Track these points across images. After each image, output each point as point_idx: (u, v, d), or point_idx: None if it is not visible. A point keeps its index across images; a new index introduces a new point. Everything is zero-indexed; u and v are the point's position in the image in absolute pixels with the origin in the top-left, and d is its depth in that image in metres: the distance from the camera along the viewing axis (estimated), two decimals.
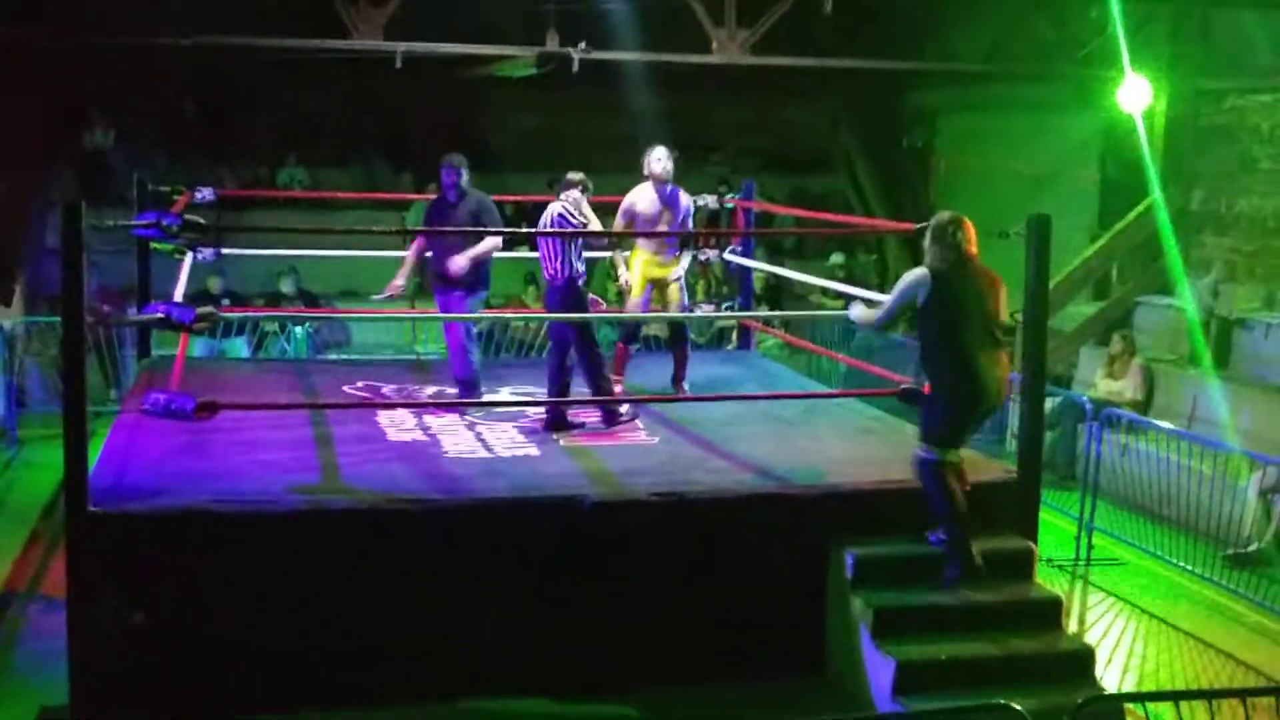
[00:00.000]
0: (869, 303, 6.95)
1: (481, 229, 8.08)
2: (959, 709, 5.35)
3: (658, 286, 8.51)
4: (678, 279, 8.55)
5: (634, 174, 8.57)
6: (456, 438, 7.52)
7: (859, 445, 7.64)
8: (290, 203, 14.61)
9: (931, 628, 6.25)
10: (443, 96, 14.67)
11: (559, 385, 7.86)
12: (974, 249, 6.27)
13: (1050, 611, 6.45)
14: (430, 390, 8.72)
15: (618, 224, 8.45)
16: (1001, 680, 5.84)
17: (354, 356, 12.37)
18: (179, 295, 7.56)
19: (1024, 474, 6.82)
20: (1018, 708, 4.37)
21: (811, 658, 6.56)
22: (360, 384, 8.79)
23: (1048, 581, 7.48)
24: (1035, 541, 6.72)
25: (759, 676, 6.39)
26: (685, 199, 8.50)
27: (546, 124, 15.62)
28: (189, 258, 8.60)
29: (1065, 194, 14.12)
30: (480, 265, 8.15)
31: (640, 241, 8.48)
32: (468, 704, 6.12)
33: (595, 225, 7.81)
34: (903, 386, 6.99)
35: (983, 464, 7.23)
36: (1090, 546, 8.77)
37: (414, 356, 11.66)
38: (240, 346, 12.44)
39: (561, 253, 7.59)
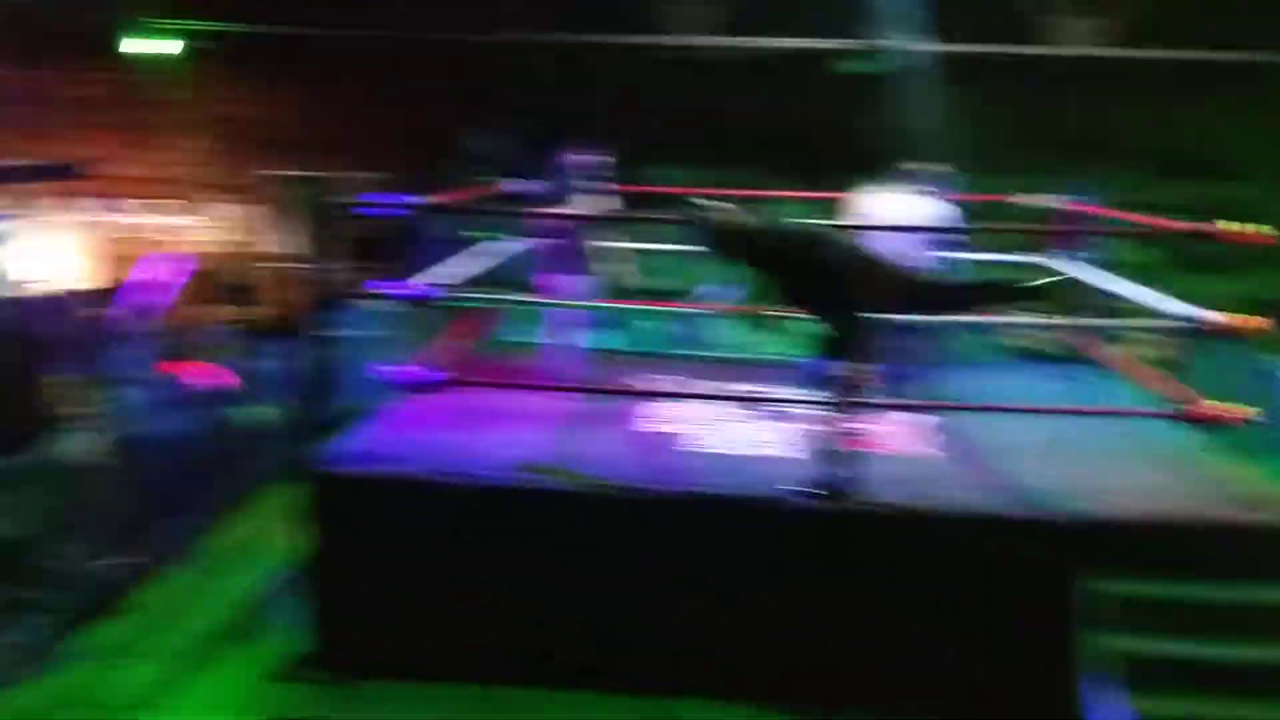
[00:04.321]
0: None
1: None
2: None
3: None
4: None
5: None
6: (708, 433, 7.34)
7: (1149, 474, 6.76)
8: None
9: (1185, 682, 5.53)
10: (808, 96, 14.37)
11: None
12: None
13: None
14: (711, 386, 8.48)
15: None
16: None
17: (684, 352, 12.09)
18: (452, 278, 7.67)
19: None
20: None
21: (1046, 700, 5.86)
22: (648, 377, 8.66)
23: None
24: None
25: (981, 715, 5.82)
26: None
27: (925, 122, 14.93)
28: (492, 245, 8.87)
29: None
30: None
31: None
32: (646, 701, 5.99)
33: None
34: (1182, 407, 6.16)
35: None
36: None
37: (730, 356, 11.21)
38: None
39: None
